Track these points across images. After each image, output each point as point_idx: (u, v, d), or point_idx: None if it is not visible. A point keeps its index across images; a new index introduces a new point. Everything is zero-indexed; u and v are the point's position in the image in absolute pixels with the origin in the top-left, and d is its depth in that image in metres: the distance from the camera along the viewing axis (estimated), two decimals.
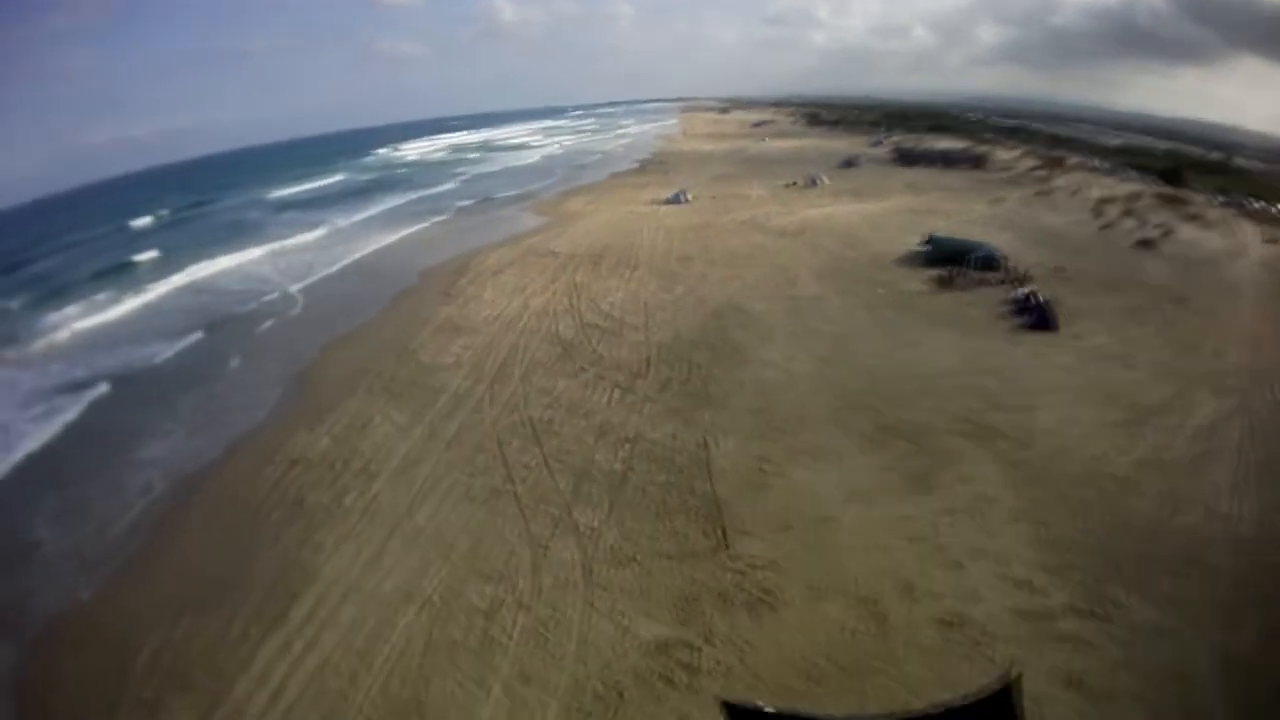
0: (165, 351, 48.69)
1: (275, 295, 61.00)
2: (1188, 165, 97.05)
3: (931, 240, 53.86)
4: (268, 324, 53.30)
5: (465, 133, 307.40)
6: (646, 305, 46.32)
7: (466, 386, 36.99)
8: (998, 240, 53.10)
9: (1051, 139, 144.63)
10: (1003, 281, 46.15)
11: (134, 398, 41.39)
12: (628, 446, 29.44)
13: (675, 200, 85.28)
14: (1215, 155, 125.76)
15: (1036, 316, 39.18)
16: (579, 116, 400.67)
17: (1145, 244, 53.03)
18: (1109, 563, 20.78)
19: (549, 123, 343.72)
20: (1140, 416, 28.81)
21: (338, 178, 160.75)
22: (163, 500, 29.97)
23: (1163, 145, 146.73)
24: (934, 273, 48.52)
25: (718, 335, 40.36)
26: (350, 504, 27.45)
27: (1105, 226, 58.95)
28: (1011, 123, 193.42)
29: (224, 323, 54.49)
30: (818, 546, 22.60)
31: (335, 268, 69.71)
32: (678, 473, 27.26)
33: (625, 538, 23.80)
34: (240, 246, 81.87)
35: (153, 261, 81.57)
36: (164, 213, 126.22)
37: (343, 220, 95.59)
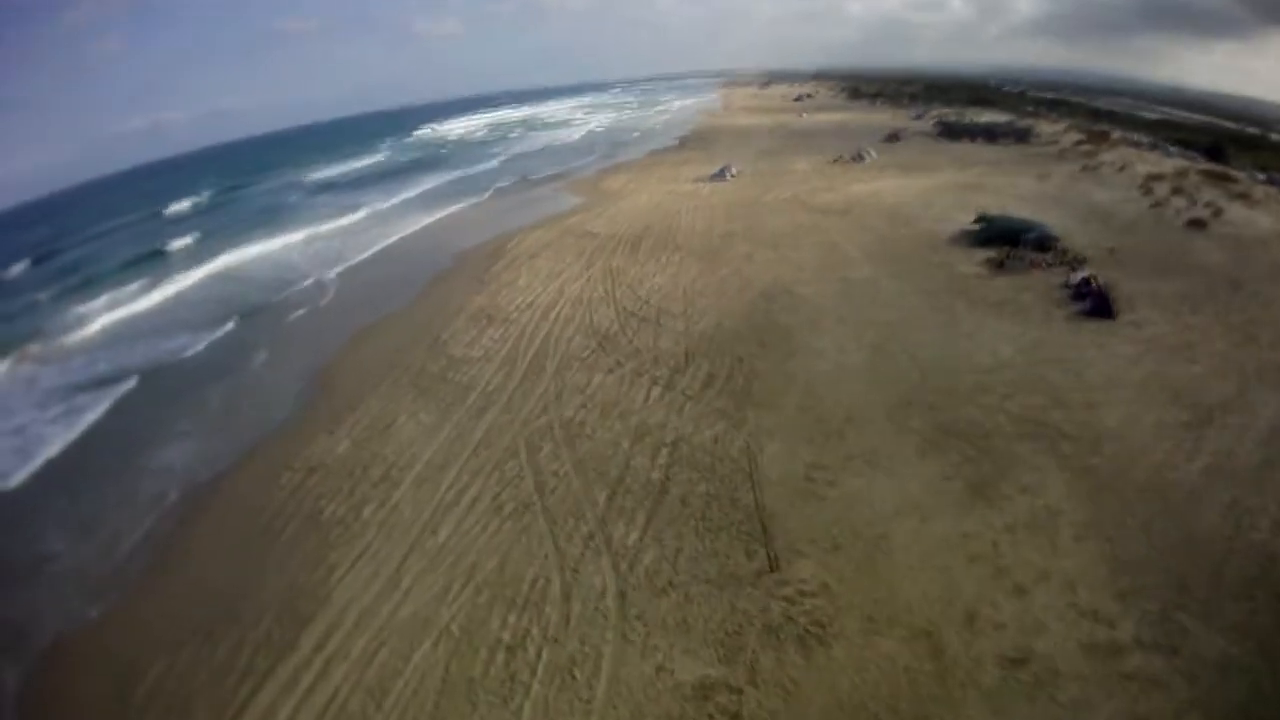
0: (192, 345, 47.31)
1: (308, 283, 59.52)
2: (1229, 140, 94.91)
3: (983, 219, 51.19)
4: (298, 313, 51.78)
5: (506, 109, 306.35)
6: (687, 291, 44.10)
7: (498, 382, 35.20)
8: (1048, 218, 50.70)
9: (1092, 113, 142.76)
10: (1057, 263, 43.72)
11: (156, 396, 40.03)
12: (666, 452, 27.43)
13: (719, 176, 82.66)
14: (1252, 130, 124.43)
15: (1095, 303, 36.75)
16: (619, 92, 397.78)
17: (1196, 224, 50.51)
18: (1177, 586, 18.67)
19: (590, 98, 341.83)
20: (1204, 416, 26.50)
21: (377, 158, 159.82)
22: (176, 511, 28.45)
23: (1199, 119, 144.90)
24: (987, 254, 45.85)
25: (764, 322, 38.18)
26: (368, 517, 25.71)
27: (1155, 205, 56.32)
28: (1050, 96, 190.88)
29: (254, 313, 53.10)
30: (872, 568, 20.54)
31: (370, 252, 68.15)
32: (720, 482, 25.17)
33: (664, 558, 21.80)
34: (275, 232, 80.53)
35: (185, 249, 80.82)
36: (199, 198, 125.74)
37: (380, 202, 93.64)
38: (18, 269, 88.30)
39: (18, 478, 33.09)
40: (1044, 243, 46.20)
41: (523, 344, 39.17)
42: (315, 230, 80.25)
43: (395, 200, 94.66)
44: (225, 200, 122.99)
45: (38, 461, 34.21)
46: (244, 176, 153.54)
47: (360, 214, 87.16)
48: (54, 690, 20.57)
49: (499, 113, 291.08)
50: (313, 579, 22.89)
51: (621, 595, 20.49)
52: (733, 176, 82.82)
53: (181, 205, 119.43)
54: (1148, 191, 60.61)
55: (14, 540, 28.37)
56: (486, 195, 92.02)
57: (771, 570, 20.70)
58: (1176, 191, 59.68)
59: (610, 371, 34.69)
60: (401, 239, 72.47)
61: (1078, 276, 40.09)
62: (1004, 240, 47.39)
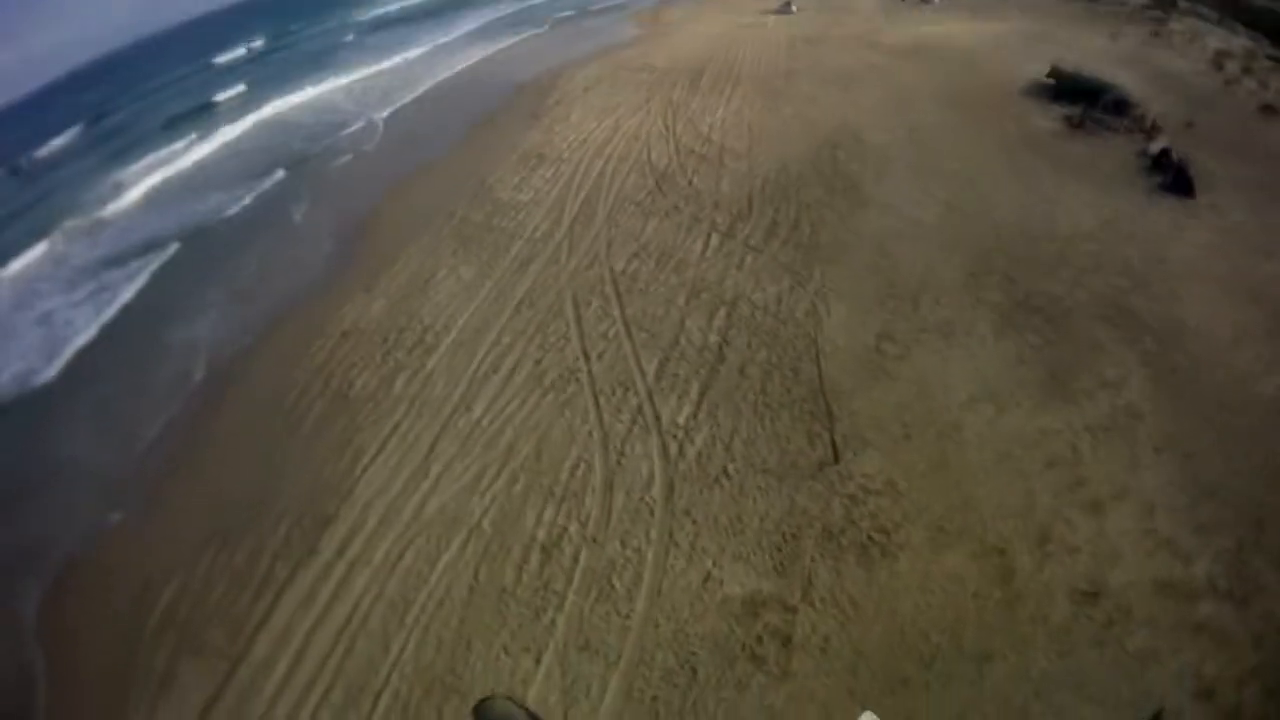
0: (235, 203, 45.13)
1: (357, 126, 56.47)
2: None
3: (1057, 74, 46.43)
4: (344, 160, 49.10)
5: None
6: (751, 128, 40.36)
7: (545, 229, 32.57)
8: (1122, 78, 46.12)
9: None
10: (1135, 129, 39.38)
11: (193, 264, 38.11)
12: (724, 312, 24.75)
13: (783, 10, 76.26)
14: None
15: (1175, 178, 32.78)
16: None
17: (1268, 109, 44.83)
18: (1254, 522, 15.99)
19: None
20: None
21: None
22: (202, 395, 26.81)
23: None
24: (1062, 110, 41.41)
25: (831, 168, 34.53)
26: (400, 391, 23.68)
27: (1228, 82, 51.10)
28: None
29: (300, 162, 50.41)
30: (943, 466, 18.02)
31: (422, 89, 64.57)
32: (783, 349, 22.51)
33: (717, 440, 19.47)
34: (327, 75, 76.81)
35: (233, 99, 77.01)
36: (253, 44, 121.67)
37: (440, 36, 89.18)
38: (71, 133, 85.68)
39: (42, 377, 31.18)
40: (1121, 106, 41.54)
41: (574, 185, 36.32)
42: (368, 70, 76.57)
43: (453, 35, 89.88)
44: (278, 45, 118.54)
45: (64, 357, 32.33)
46: (297, 19, 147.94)
47: (415, 51, 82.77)
48: (63, 626, 18.97)
49: None
50: (337, 470, 20.98)
51: (669, 486, 18.28)
52: (798, 10, 76.43)
53: (236, 53, 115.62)
54: (1219, 67, 55.16)
55: (33, 447, 26.77)
56: (544, 28, 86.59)
57: (835, 461, 18.26)
58: (1246, 71, 54.10)
59: (667, 216, 31.78)
60: (455, 74, 68.55)
61: (1157, 146, 36.03)
62: (1079, 97, 42.85)
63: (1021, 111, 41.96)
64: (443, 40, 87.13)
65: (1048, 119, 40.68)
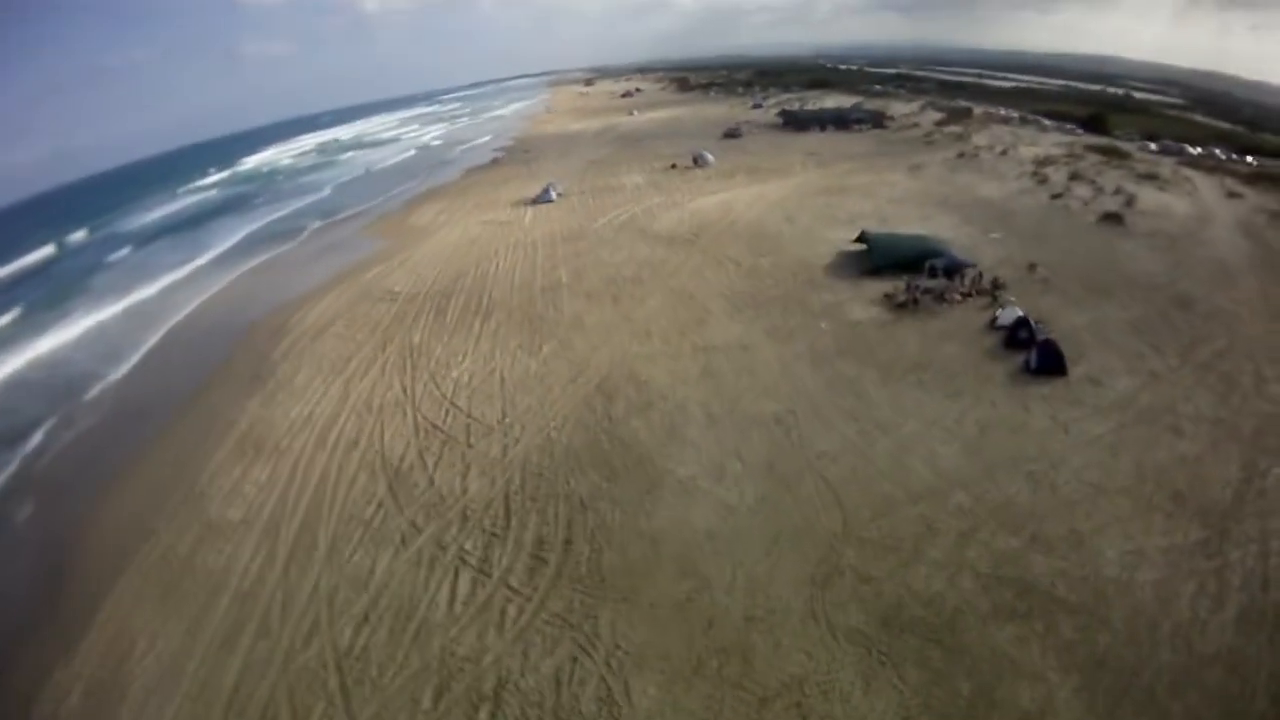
0: None
1: (80, 398, 43.89)
2: (1104, 106, 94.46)
3: (868, 239, 42.54)
4: (51, 456, 37.34)
5: (338, 129, 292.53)
6: (504, 381, 33.91)
7: (256, 571, 24.78)
8: (939, 225, 43.62)
9: (940, 86, 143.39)
10: (971, 293, 36.31)
11: None
12: (488, 707, 17.83)
13: (543, 198, 72.45)
14: (1114, 91, 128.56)
15: (1043, 358, 29.08)
16: (446, 101, 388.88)
17: (1111, 218, 45.66)
18: None
19: (422, 109, 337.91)
20: (1218, 526, 20.56)
21: (192, 201, 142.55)
22: None
23: (1055, 85, 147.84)
24: (881, 287, 37.80)
25: (607, 433, 28.40)
26: None
27: (1056, 196, 51.82)
28: (891, 71, 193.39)
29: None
30: None
31: (155, 334, 53.53)
32: None
33: None
34: (63, 315, 64.71)
35: None
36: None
37: (198, 255, 79.87)
38: None
39: None
40: (951, 268, 38.61)
41: (292, 495, 28.51)
42: (108, 311, 64.09)
43: (207, 256, 79.85)
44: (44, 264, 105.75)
45: None
46: (61, 227, 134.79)
47: (164, 279, 71.35)
48: None
49: (329, 132, 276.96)
50: None
51: None
52: (559, 196, 73.10)
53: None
54: (1042, 180, 56.08)
55: None
56: (293, 243, 77.99)
57: None
58: (1075, 178, 55.55)
59: (404, 544, 24.38)
60: (196, 309, 58.61)
61: (1009, 315, 32.78)
62: (897, 266, 39.35)
63: (834, 300, 37.65)
64: (199, 261, 77.40)
65: (865, 303, 36.71)
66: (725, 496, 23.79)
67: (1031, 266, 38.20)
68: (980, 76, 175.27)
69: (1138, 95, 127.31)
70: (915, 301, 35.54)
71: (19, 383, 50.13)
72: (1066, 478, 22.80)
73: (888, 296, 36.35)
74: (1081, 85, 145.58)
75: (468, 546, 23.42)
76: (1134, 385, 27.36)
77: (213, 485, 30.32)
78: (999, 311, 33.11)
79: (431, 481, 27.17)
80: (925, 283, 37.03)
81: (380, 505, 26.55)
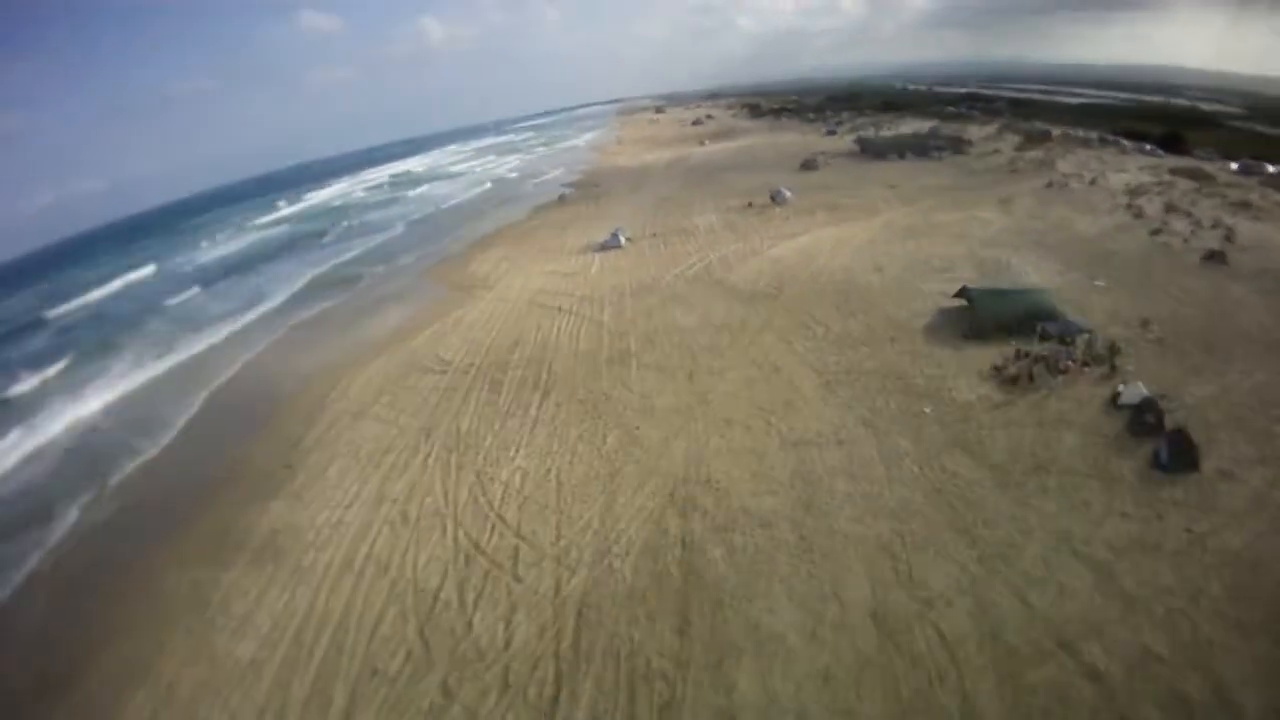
0: None
1: (87, 495, 38.51)
2: (1177, 121, 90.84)
3: (971, 297, 37.39)
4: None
5: (412, 159, 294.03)
6: (561, 485, 29.22)
7: None
8: (1042, 273, 39.56)
9: (1013, 104, 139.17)
10: (1088, 363, 31.41)
11: None
12: None
13: (610, 244, 68.11)
14: (1179, 103, 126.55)
15: (1173, 450, 24.28)
16: (521, 129, 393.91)
17: (1214, 258, 41.35)
18: None
19: (492, 139, 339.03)
20: None
21: (247, 240, 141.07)
22: None
23: (1124, 98, 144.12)
24: (986, 354, 33.11)
25: (680, 565, 23.53)
26: None
27: (1155, 232, 47.20)
28: (961, 90, 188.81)
29: None
30: None
31: (188, 410, 48.05)
32: None
33: None
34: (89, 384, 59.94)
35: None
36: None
37: (248, 312, 74.33)
38: None
39: None
40: (1070, 331, 33.55)
41: (309, 637, 24.05)
42: (143, 375, 59.78)
43: (257, 311, 74.57)
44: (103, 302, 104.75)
45: None
46: (129, 258, 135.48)
47: (203, 342, 66.19)
48: None
49: (400, 165, 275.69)
50: None
51: None
52: (627, 241, 68.78)
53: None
54: (1138, 214, 52.00)
55: None
56: (347, 294, 73.32)
57: None
58: (1170, 209, 51.86)
59: (430, 718, 19.67)
60: (231, 378, 53.54)
61: (1133, 393, 27.98)
62: (1002, 326, 34.63)
63: (938, 374, 32.88)
64: (249, 317, 72.59)
65: (974, 379, 31.90)
66: (821, 660, 19.02)
67: (1145, 323, 33.61)
68: (1047, 92, 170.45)
69: (1204, 107, 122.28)
70: (1030, 376, 30.61)
71: (41, 455, 46.42)
72: (1208, 614, 18.34)
73: (997, 369, 31.48)
74: (1145, 97, 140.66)
75: None
76: (1269, 477, 22.92)
77: (225, 610, 26.37)
78: (1121, 388, 28.45)
79: (470, 626, 22.56)
80: (1037, 348, 32.23)
81: (409, 656, 22.05)
